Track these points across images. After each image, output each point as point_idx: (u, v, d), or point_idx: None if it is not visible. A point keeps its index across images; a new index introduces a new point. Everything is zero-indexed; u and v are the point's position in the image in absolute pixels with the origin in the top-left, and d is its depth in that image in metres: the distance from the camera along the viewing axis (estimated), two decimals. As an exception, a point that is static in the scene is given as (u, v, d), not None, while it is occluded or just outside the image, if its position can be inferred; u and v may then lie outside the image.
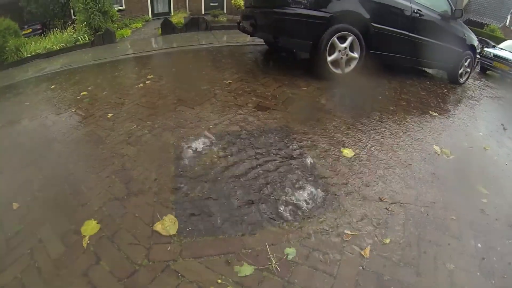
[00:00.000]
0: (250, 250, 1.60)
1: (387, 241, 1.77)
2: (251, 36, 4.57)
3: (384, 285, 1.53)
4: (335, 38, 3.74)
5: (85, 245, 1.65)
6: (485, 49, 11.93)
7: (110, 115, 3.10)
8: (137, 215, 1.82)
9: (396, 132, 3.08)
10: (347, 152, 2.51)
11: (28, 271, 1.56)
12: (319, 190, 2.06)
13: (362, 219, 1.88)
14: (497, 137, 4.10)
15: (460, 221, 2.10)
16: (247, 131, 2.64)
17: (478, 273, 1.76)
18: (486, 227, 2.12)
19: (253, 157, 2.31)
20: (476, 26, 25.05)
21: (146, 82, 3.98)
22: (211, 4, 12.65)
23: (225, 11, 12.33)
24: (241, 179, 2.09)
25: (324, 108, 3.26)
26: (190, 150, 2.37)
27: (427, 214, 2.07)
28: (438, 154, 2.92)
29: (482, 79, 9.67)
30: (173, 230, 1.71)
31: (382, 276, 1.57)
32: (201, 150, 2.38)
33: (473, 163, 3.05)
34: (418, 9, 4.66)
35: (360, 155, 2.52)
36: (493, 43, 15.53)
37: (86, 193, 2.02)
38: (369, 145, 2.69)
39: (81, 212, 1.86)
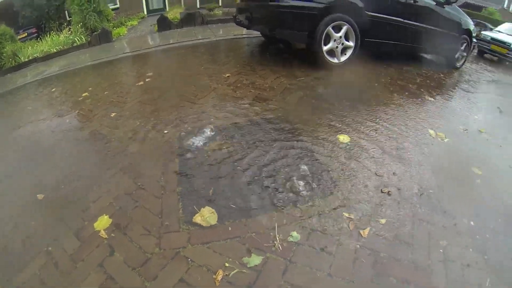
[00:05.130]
0: (254, 233, 1.69)
1: (383, 221, 1.85)
2: (247, 29, 4.61)
3: (380, 261, 1.61)
4: (330, 28, 3.79)
5: (99, 239, 1.73)
6: (482, 32, 11.93)
7: (113, 114, 3.17)
8: (146, 207, 1.90)
9: (391, 117, 3.15)
10: (344, 138, 2.58)
11: (46, 267, 1.64)
12: (317, 175, 2.13)
13: (359, 202, 1.96)
14: (492, 120, 4.16)
15: (454, 201, 2.18)
16: (247, 122, 2.72)
17: (471, 249, 1.84)
18: (479, 207, 2.20)
19: (254, 146, 2.40)
20: (474, 9, 24.92)
21: (146, 80, 4.04)
22: (206, -2, 12.64)
23: (220, 4, 12.31)
24: (243, 167, 2.18)
25: (321, 97, 3.33)
26: (194, 144, 2.44)
27: (421, 195, 2.14)
28: (433, 137, 2.98)
29: (480, 63, 9.70)
30: (181, 219, 1.79)
31: (379, 253, 1.65)
32: (204, 143, 2.46)
33: (468, 146, 3.11)
34: None
35: (356, 140, 2.59)
36: (491, 26, 15.44)
37: (97, 190, 2.11)
38: (365, 131, 2.77)
39: (93, 208, 1.95)
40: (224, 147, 2.40)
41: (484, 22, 17.56)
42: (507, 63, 10.35)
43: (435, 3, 5.32)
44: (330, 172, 2.18)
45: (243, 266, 1.53)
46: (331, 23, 3.79)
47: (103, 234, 1.75)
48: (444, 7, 5.51)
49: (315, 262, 1.57)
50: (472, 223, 2.03)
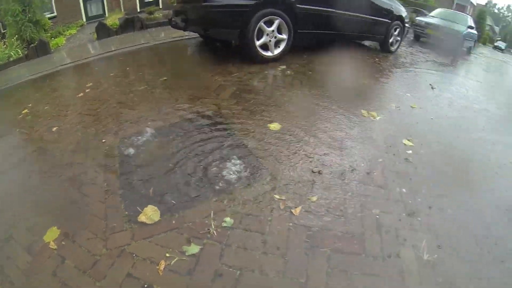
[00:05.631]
0: (191, 223, 1.84)
1: (314, 198, 2.03)
2: (184, 31, 4.69)
3: (312, 236, 1.79)
4: (262, 23, 3.96)
5: (49, 250, 1.81)
6: (416, 18, 12.79)
7: (54, 128, 3.18)
8: (92, 213, 1.99)
9: (324, 103, 3.37)
10: (274, 126, 2.77)
11: (2, 286, 1.70)
12: (249, 163, 2.31)
13: (290, 183, 2.14)
14: (424, 96, 4.51)
15: (385, 172, 2.40)
16: (182, 121, 2.85)
17: (404, 214, 2.04)
18: (410, 175, 2.43)
19: (189, 143, 2.53)
20: None
21: (86, 91, 4.04)
22: (146, 1, 12.45)
23: (160, 7, 12.19)
24: (180, 164, 2.31)
25: (254, 90, 3.50)
26: (133, 148, 2.55)
27: (353, 170, 2.35)
28: (365, 117, 3.21)
29: (415, 46, 10.31)
30: (124, 219, 1.91)
31: (310, 228, 1.83)
32: (142, 145, 2.57)
33: (399, 121, 3.36)
34: None
35: (288, 127, 2.78)
36: (427, 12, 16.39)
37: (44, 204, 2.18)
38: (296, 117, 2.96)
39: (42, 222, 2.00)
40: (161, 147, 2.52)
41: (423, 10, 18.52)
42: (445, 45, 11.27)
43: None
44: (261, 159, 2.36)
45: (182, 254, 1.66)
46: (262, 18, 3.95)
47: (53, 245, 1.82)
48: None
49: (249, 243, 1.73)
50: (404, 190, 2.25)
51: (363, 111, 3.32)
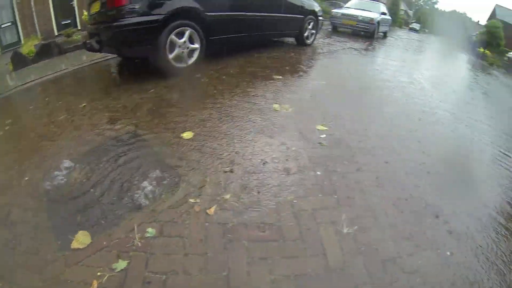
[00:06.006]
0: (117, 239, 1.93)
1: (228, 196, 2.20)
2: (99, 53, 4.65)
3: (229, 231, 1.96)
4: (173, 36, 4.06)
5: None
6: (333, 10, 13.70)
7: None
8: (25, 251, 1.99)
9: (237, 103, 3.54)
10: (187, 135, 2.87)
11: None
12: (165, 173, 2.42)
13: (204, 186, 2.29)
14: (337, 82, 4.81)
15: (292, 158, 2.61)
16: (101, 145, 2.88)
17: (320, 195, 2.25)
18: (324, 157, 2.66)
19: (108, 164, 2.59)
20: None
21: (6, 128, 3.89)
22: (64, 23, 11.95)
23: (79, 27, 11.76)
24: (102, 186, 2.37)
25: (169, 103, 3.60)
26: (56, 180, 2.56)
27: (264, 163, 2.54)
28: (278, 110, 3.42)
29: (333, 36, 10.90)
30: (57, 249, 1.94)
31: (227, 224, 1.99)
32: (65, 176, 2.58)
33: (312, 110, 3.59)
34: None
35: (200, 133, 2.91)
36: (342, 4, 17.41)
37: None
38: (209, 122, 3.10)
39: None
40: (83, 174, 2.55)
41: (340, 2, 19.57)
42: (361, 32, 12.25)
43: None
44: (175, 167, 2.48)
45: (112, 271, 1.75)
46: (172, 31, 4.05)
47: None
48: None
49: (172, 248, 1.86)
50: (318, 172, 2.46)
51: (275, 105, 3.53)
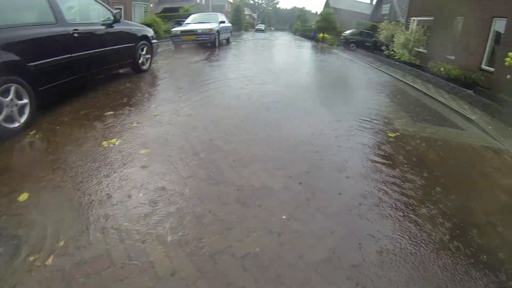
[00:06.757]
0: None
1: (61, 243, 2.26)
2: None
3: (68, 272, 2.02)
4: None
5: None
6: (172, 29, 14.25)
7: None
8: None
9: (71, 155, 3.47)
10: (23, 197, 2.75)
11: None
12: (8, 238, 2.31)
13: (40, 241, 2.28)
14: (174, 105, 5.12)
15: (124, 187, 2.87)
16: None
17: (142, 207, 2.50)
18: (148, 178, 3.00)
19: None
20: (173, 11, 29.74)
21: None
22: None
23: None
24: None
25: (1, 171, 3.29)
26: None
27: (109, 197, 2.73)
28: (107, 147, 3.58)
29: (175, 54, 11.28)
30: None
31: (64, 268, 2.05)
32: None
33: (137, 136, 3.88)
34: (74, 30, 4.97)
35: (36, 193, 2.83)
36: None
37: None
38: (45, 181, 3.02)
39: None
40: None
41: (183, 20, 20.07)
42: (208, 44, 13.40)
43: (104, 26, 5.89)
44: (14, 230, 2.39)
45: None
46: None
47: None
48: (113, 26, 6.13)
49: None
50: (141, 195, 2.75)
51: (104, 143, 3.68)
